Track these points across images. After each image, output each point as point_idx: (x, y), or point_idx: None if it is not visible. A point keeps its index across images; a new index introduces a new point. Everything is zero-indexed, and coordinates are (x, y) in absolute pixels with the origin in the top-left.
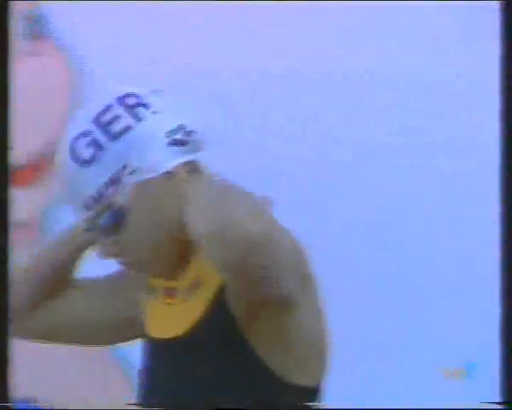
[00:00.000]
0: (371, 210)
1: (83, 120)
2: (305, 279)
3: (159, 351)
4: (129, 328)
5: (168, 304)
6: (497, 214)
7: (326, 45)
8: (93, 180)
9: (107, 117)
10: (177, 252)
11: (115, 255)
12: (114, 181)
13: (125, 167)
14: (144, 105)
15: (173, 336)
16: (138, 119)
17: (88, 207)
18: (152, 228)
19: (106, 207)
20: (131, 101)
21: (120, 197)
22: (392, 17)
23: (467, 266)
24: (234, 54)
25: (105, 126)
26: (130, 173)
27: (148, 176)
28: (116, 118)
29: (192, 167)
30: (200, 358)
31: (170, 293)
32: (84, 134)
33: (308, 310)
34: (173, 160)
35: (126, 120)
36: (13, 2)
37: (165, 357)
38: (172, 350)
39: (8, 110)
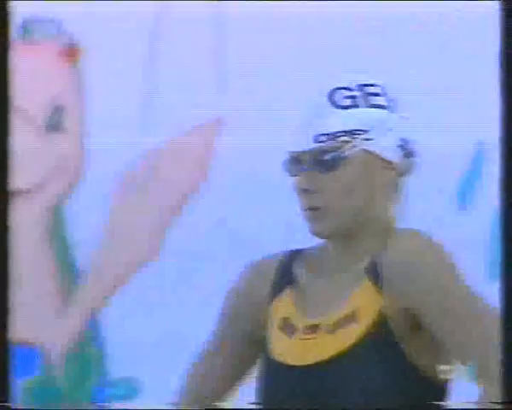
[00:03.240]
0: None
1: (348, 79)
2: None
3: (292, 375)
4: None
5: (306, 339)
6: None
7: None
8: (335, 124)
9: (372, 89)
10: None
11: (312, 191)
12: (350, 135)
13: (365, 131)
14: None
15: (314, 363)
16: (392, 110)
17: (317, 140)
18: (347, 193)
19: (333, 148)
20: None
21: (347, 149)
22: (391, 18)
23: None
24: None
25: (368, 95)
26: (365, 139)
27: (376, 151)
28: (378, 94)
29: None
30: (351, 376)
31: (310, 331)
32: (346, 88)
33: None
34: (399, 157)
35: (386, 102)
36: (13, 2)
37: (301, 380)
38: (312, 373)
39: (7, 111)
